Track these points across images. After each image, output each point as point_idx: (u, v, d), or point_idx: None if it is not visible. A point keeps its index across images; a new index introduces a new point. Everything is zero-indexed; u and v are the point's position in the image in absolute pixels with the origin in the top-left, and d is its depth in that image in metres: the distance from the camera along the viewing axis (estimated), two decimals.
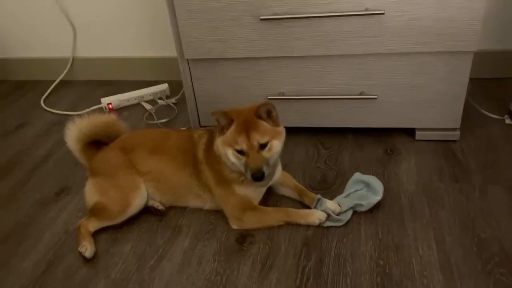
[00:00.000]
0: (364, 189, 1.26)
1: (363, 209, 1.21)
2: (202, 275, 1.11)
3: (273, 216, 1.23)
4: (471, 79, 1.40)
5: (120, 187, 1.26)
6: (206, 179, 1.25)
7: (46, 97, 2.07)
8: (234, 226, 1.23)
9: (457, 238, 1.14)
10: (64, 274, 1.15)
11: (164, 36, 1.99)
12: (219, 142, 1.17)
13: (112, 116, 1.40)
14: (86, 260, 1.18)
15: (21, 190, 1.48)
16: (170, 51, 2.00)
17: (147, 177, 1.29)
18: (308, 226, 1.21)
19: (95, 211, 1.25)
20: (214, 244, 1.20)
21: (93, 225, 1.25)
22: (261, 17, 1.31)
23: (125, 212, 1.25)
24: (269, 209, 1.25)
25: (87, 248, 1.18)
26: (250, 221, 1.22)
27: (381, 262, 1.09)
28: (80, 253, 1.18)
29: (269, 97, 1.47)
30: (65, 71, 2.16)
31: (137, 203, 1.27)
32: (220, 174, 1.22)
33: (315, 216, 1.20)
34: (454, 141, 1.49)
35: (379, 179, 1.29)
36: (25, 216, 1.36)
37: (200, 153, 1.26)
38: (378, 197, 1.22)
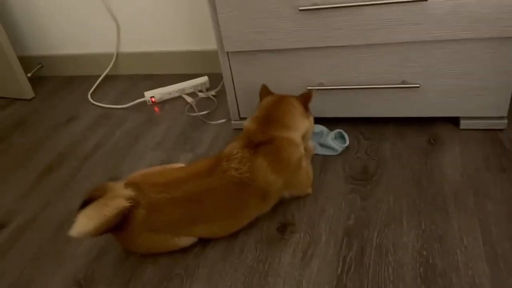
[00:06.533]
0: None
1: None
2: (245, 262, 1.15)
3: (308, 162, 1.36)
4: None
5: None
6: (275, 190, 1.21)
7: (93, 92, 2.17)
8: (309, 191, 1.32)
9: (504, 229, 1.11)
10: (115, 260, 1.22)
11: (203, 29, 2.03)
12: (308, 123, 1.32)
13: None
14: None
15: (73, 179, 1.57)
16: (209, 44, 2.04)
17: None
18: (348, 216, 1.22)
19: None
20: (256, 232, 1.23)
21: None
22: (300, 8, 1.31)
23: None
24: (304, 161, 1.34)
25: None
26: (311, 178, 1.34)
27: (424, 253, 1.08)
28: None
29: (308, 87, 1.47)
30: (109, 66, 2.24)
31: None
32: (292, 165, 1.21)
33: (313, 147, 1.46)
34: (501, 130, 1.44)
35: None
36: (78, 204, 1.44)
37: (262, 176, 1.16)
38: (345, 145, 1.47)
